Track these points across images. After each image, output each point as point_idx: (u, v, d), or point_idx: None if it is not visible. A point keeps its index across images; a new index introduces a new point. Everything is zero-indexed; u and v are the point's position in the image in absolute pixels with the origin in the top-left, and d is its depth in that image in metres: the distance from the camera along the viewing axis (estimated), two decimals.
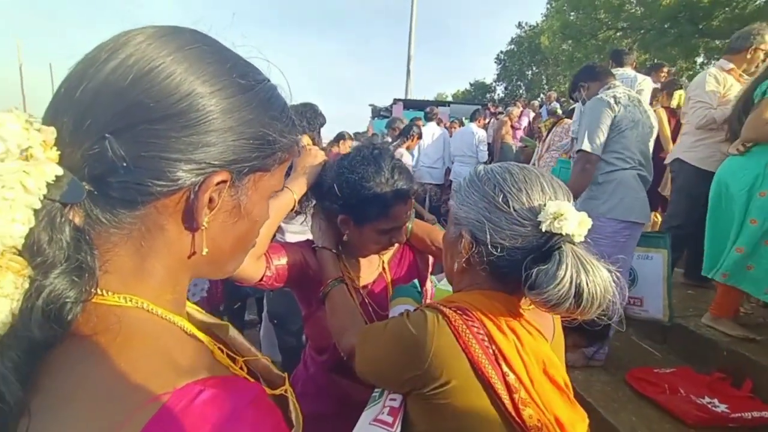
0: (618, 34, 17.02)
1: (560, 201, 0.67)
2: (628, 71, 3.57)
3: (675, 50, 15.68)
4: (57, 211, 0.32)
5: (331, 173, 0.96)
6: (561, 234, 0.63)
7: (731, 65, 2.76)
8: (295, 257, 0.99)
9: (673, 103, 3.59)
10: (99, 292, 0.36)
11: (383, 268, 1.10)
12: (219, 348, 0.45)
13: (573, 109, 4.09)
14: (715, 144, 2.77)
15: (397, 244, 1.01)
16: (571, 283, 0.59)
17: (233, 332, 0.52)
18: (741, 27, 2.94)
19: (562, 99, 8.67)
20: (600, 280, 0.61)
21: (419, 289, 1.01)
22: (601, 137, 2.16)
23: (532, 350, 0.66)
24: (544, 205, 0.66)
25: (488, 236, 0.67)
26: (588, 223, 0.65)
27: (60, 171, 0.32)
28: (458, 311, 0.67)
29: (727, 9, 13.60)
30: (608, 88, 2.30)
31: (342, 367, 0.88)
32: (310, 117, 2.12)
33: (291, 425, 0.50)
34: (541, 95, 10.88)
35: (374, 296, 1.05)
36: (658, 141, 3.21)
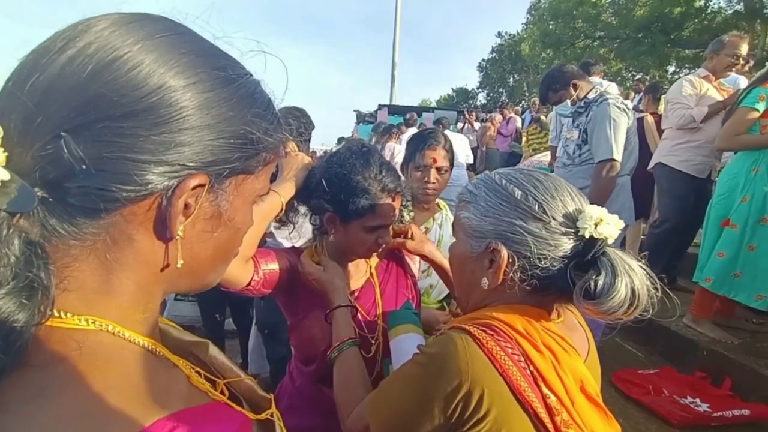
0: (595, 43, 17.60)
1: (594, 206, 0.65)
2: (595, 79, 3.72)
3: (649, 59, 16.30)
4: (3, 221, 0.28)
5: (320, 169, 0.96)
6: (602, 238, 0.62)
7: (706, 72, 2.91)
8: (283, 263, 0.95)
9: (661, 109, 3.72)
10: (56, 314, 0.31)
11: (371, 274, 1.07)
12: (197, 371, 0.41)
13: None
14: (693, 147, 2.86)
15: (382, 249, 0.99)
16: (627, 288, 0.59)
17: (213, 350, 0.47)
18: (710, 37, 3.10)
19: (547, 106, 8.86)
20: (644, 279, 0.61)
21: (414, 309, 0.98)
22: (622, 144, 2.15)
23: (569, 368, 0.62)
24: (581, 210, 0.64)
25: (532, 248, 0.63)
26: (621, 224, 0.64)
27: (6, 176, 0.28)
28: (488, 331, 0.61)
29: (696, 20, 14.26)
30: (603, 92, 2.30)
31: (330, 378, 0.84)
32: (305, 122, 2.07)
33: None
34: (523, 102, 11.11)
35: (363, 302, 1.03)
36: (648, 148, 3.31)
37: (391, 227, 1.05)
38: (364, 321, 0.99)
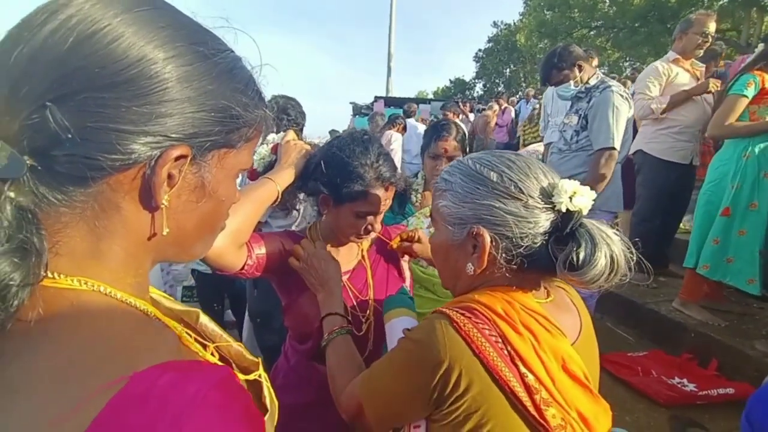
0: (592, 32, 17.49)
1: (565, 179, 0.67)
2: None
3: (646, 48, 16.23)
4: None
5: (320, 152, 1.00)
6: (578, 210, 0.64)
7: (675, 55, 2.83)
8: (273, 246, 0.98)
9: None
10: (50, 275, 0.33)
11: (362, 256, 1.11)
12: (187, 333, 0.42)
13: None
14: (675, 133, 2.81)
15: (374, 234, 1.02)
16: (605, 258, 0.61)
17: (204, 318, 0.49)
18: None
19: (539, 96, 8.85)
20: (620, 245, 0.63)
21: (409, 294, 1.01)
22: (622, 133, 2.14)
23: (549, 348, 0.64)
24: (555, 185, 0.66)
25: (513, 228, 0.65)
26: (593, 194, 0.66)
27: None
28: (466, 314, 0.63)
29: (693, 9, 14.16)
30: (605, 79, 2.27)
31: (323, 355, 0.88)
32: (297, 113, 2.09)
33: (265, 410, 0.47)
34: (520, 92, 11.08)
35: (355, 283, 1.06)
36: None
37: (400, 234, 1.11)
38: (356, 300, 1.03)
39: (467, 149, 1.65)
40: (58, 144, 0.31)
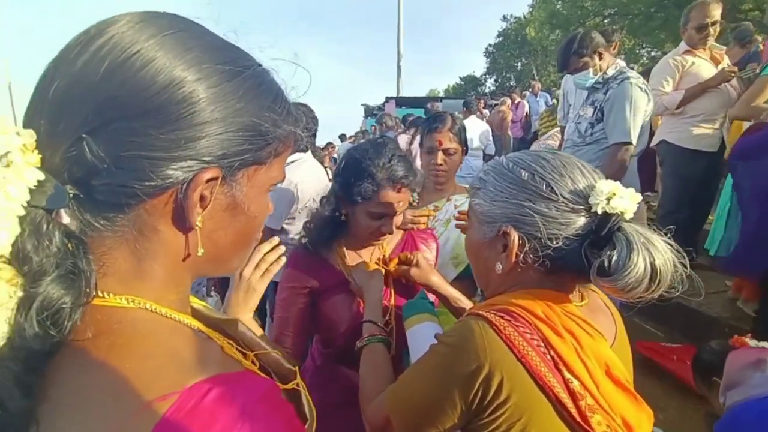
0: (606, 21, 17.06)
1: (607, 180, 0.63)
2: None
3: (663, 34, 15.72)
4: (42, 217, 0.31)
5: (344, 155, 1.05)
6: (616, 213, 0.60)
7: (686, 46, 2.74)
8: (296, 310, 1.02)
9: None
10: (99, 294, 0.34)
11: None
12: (228, 343, 0.44)
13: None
14: (700, 121, 2.69)
15: (397, 235, 1.03)
16: (645, 263, 0.56)
17: (242, 327, 0.51)
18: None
19: (553, 88, 8.70)
20: (667, 254, 0.58)
21: (429, 299, 1.00)
22: (639, 127, 2.07)
23: (592, 352, 0.61)
24: (593, 186, 0.62)
25: (542, 229, 0.62)
26: (638, 197, 0.61)
27: (41, 176, 0.31)
28: (505, 316, 0.60)
29: None
30: (624, 69, 2.18)
31: (349, 358, 0.89)
32: (310, 118, 2.09)
33: (304, 419, 0.49)
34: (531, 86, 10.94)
35: None
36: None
37: (398, 256, 1.07)
38: None
39: (467, 143, 1.55)
40: (96, 174, 0.33)
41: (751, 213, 1.93)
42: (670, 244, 0.60)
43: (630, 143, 2.04)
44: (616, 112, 2.08)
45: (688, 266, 0.59)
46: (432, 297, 1.09)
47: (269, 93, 0.40)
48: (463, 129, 1.54)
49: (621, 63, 2.30)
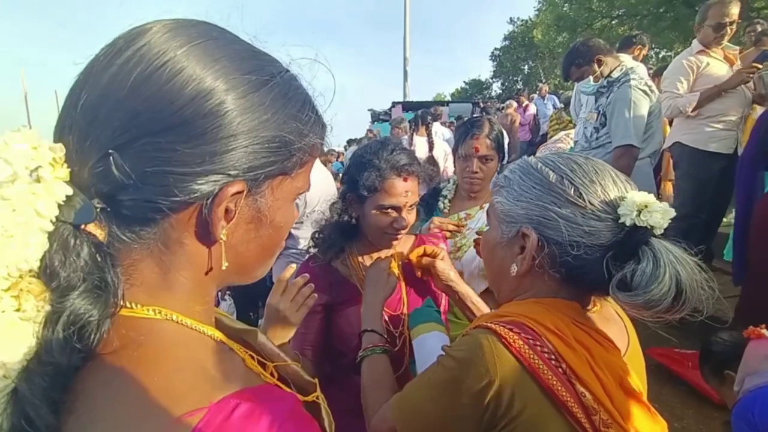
0: (614, 22, 16.94)
1: (639, 192, 0.60)
2: (625, 57, 3.52)
3: (673, 34, 15.53)
4: (70, 232, 0.31)
5: (350, 159, 1.07)
6: (645, 227, 0.57)
7: (700, 46, 2.65)
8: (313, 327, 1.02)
9: None
10: (128, 304, 0.35)
11: (397, 270, 1.10)
12: (250, 355, 0.44)
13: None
14: (712, 123, 2.62)
15: (408, 241, 1.02)
16: (671, 280, 0.54)
17: (262, 338, 0.51)
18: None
19: (561, 91, 8.65)
20: (695, 274, 0.56)
21: (436, 307, 0.98)
22: (642, 128, 2.06)
23: (605, 364, 0.58)
24: (623, 197, 0.60)
25: (564, 234, 0.60)
26: (671, 213, 0.58)
27: (70, 191, 0.31)
28: (514, 329, 0.58)
29: None
30: (629, 71, 2.17)
31: (359, 370, 0.89)
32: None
33: None
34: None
35: (389, 298, 1.06)
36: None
37: (423, 247, 1.06)
38: (389, 316, 1.03)
39: (505, 150, 1.51)
40: (122, 189, 0.33)
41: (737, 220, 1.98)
42: (700, 266, 0.57)
43: (632, 146, 2.04)
44: (617, 116, 2.09)
45: (716, 289, 0.57)
46: (442, 300, 1.08)
47: (296, 101, 0.40)
48: (501, 135, 1.50)
49: (628, 64, 2.28)
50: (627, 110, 2.05)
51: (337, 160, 8.81)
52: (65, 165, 0.32)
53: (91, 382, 0.31)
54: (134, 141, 0.33)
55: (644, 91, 2.08)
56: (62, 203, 0.30)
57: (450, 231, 1.31)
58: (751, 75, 2.50)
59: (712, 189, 2.69)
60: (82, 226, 0.32)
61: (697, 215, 2.73)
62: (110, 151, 0.32)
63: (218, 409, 0.31)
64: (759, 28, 3.55)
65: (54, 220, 0.30)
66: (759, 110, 2.49)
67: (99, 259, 0.33)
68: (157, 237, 0.36)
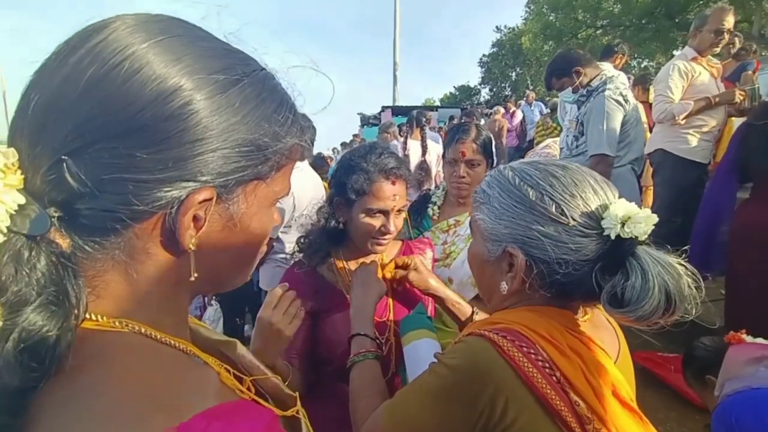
0: (598, 32, 17.39)
1: (620, 201, 0.59)
2: (606, 65, 3.61)
3: (654, 45, 16.04)
4: (23, 243, 0.29)
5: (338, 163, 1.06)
6: (630, 238, 0.57)
7: (693, 53, 2.67)
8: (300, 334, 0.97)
9: (651, 98, 3.62)
10: (93, 317, 0.32)
11: (383, 277, 1.10)
12: (226, 369, 0.42)
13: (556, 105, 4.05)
14: (701, 134, 2.70)
15: (395, 246, 1.02)
16: (660, 294, 0.54)
17: (241, 349, 0.49)
18: None
19: (547, 98, 8.81)
20: (682, 278, 0.56)
21: (427, 314, 0.97)
22: (616, 138, 2.11)
23: (599, 372, 0.58)
24: (606, 206, 0.59)
25: (551, 253, 0.59)
26: (654, 219, 0.58)
27: (22, 199, 0.29)
28: (508, 336, 0.57)
29: (701, 2, 13.96)
30: (607, 80, 2.22)
31: (347, 376, 0.87)
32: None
33: None
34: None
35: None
36: None
37: (393, 261, 1.04)
38: (375, 323, 1.01)
39: (493, 155, 1.49)
40: (78, 197, 0.31)
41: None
42: (684, 265, 0.57)
43: (606, 155, 2.11)
44: (592, 125, 2.17)
45: (703, 290, 0.57)
46: (429, 306, 1.07)
47: (271, 102, 0.37)
48: (489, 140, 1.48)
49: (608, 74, 2.33)
50: (601, 120, 2.12)
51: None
52: (18, 172, 0.29)
53: (48, 404, 0.29)
54: (89, 146, 0.30)
55: (618, 101, 2.13)
56: (14, 212, 0.28)
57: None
58: (742, 96, 2.56)
59: (689, 196, 2.77)
60: (43, 236, 0.30)
61: (674, 220, 2.80)
62: (63, 157, 0.30)
63: (187, 430, 0.28)
64: (737, 42, 3.68)
65: (5, 230, 0.28)
66: (736, 122, 2.57)
67: (59, 270, 0.30)
68: (121, 247, 0.34)
